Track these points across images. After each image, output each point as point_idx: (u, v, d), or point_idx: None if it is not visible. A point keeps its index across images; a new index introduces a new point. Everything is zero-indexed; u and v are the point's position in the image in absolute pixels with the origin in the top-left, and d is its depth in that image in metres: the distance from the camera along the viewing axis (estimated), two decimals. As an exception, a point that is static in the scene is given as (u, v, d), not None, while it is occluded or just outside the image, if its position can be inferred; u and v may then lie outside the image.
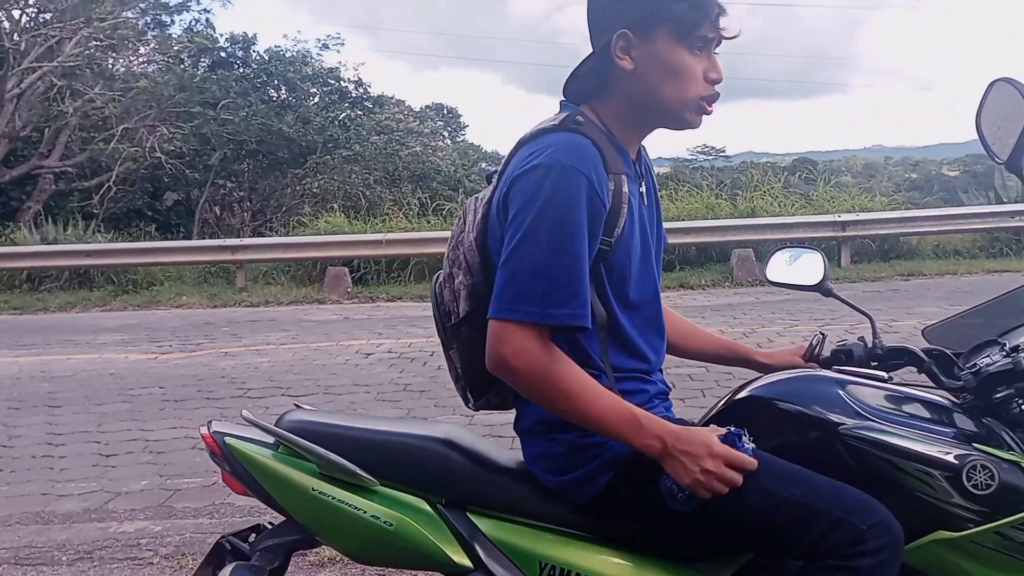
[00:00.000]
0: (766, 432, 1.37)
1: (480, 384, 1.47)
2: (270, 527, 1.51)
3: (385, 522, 1.35)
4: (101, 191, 15.90)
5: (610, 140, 1.36)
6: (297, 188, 16.50)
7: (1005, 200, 12.04)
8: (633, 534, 1.38)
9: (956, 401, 1.47)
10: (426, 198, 14.97)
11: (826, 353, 1.65)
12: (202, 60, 18.97)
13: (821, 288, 1.71)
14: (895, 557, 1.23)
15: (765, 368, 1.68)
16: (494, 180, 1.42)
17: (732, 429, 1.31)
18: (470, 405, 1.53)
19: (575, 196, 1.26)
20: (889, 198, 13.39)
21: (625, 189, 1.33)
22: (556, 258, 1.25)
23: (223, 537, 1.49)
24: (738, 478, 1.24)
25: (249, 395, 5.55)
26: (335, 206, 14.10)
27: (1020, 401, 1.38)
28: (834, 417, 1.36)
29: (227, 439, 1.43)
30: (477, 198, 1.46)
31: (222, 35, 19.48)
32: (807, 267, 1.75)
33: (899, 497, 1.31)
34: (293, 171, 17.09)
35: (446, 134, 29.95)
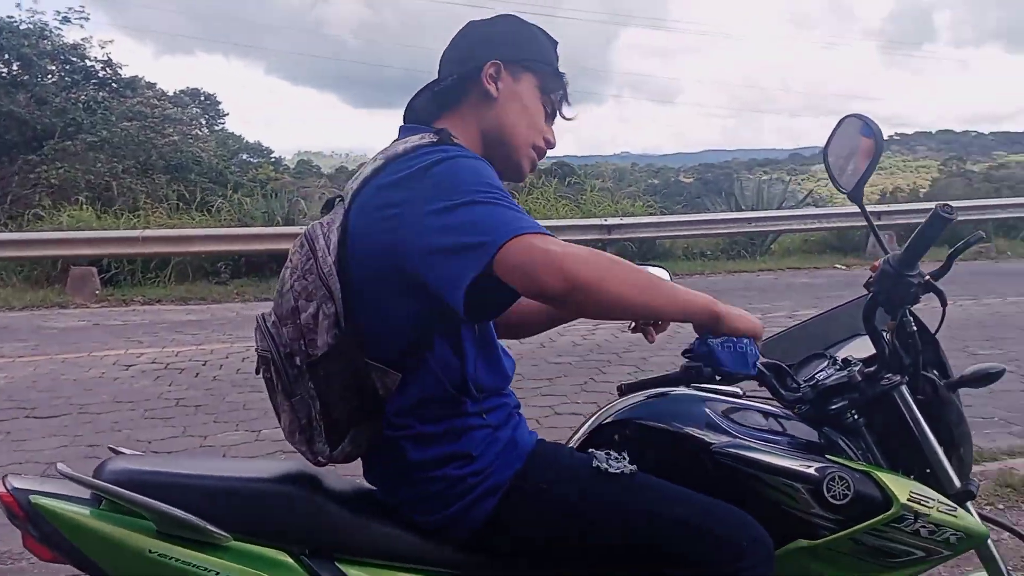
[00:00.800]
0: (637, 453, 1.38)
1: (340, 430, 1.30)
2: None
3: None
4: None
5: None
6: (31, 176, 14.52)
7: (743, 207, 13.47)
8: (520, 566, 1.32)
9: (792, 412, 1.57)
10: (184, 191, 13.89)
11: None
12: (-88, 27, 16.19)
13: None
14: (770, 570, 1.28)
15: None
16: (342, 203, 1.33)
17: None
18: (323, 457, 1.33)
19: (492, 172, 1.25)
20: (644, 202, 14.45)
21: None
22: (506, 209, 1.16)
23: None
24: None
25: (-16, 418, 4.80)
26: (80, 198, 12.64)
27: (854, 412, 1.50)
28: (704, 436, 1.40)
29: (33, 497, 1.18)
30: (322, 223, 1.34)
31: (-62, -1, 16.78)
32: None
33: (762, 509, 1.36)
34: (25, 157, 15.06)
35: (203, 121, 28.06)
